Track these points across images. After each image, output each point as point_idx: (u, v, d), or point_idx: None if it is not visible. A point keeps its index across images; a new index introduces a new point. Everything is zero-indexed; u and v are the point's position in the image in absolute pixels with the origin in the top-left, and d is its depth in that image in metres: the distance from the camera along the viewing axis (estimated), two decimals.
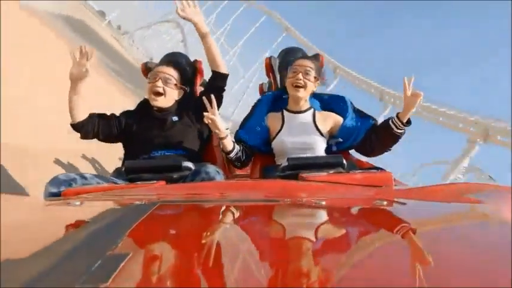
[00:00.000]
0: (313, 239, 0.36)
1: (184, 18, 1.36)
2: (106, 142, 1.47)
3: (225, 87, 1.49)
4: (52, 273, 0.21)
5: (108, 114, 1.47)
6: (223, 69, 1.46)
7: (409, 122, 1.31)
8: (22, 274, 0.21)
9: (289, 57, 1.63)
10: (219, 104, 1.45)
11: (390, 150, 1.41)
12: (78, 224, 0.34)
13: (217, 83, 1.45)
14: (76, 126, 1.37)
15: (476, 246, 0.33)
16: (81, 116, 1.36)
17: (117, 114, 1.49)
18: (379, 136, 1.37)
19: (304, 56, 1.52)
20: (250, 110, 1.60)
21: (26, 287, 0.19)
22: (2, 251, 0.25)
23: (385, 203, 0.60)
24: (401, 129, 1.30)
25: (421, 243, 0.33)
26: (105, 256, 0.25)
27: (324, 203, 0.56)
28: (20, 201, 0.68)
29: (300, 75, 1.41)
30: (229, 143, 1.33)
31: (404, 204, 0.63)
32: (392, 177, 0.89)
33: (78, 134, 1.40)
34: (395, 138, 1.32)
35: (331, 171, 1.09)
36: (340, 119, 1.51)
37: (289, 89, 1.47)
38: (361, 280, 0.22)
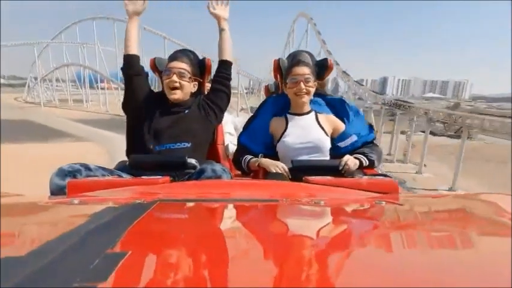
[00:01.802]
0: (309, 237, 0.36)
1: (211, 14, 1.58)
2: (127, 85, 1.54)
3: (230, 75, 1.59)
4: (51, 271, 0.21)
5: (147, 82, 1.59)
6: (228, 58, 1.59)
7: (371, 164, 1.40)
8: (21, 272, 0.21)
9: (293, 61, 1.66)
10: (227, 93, 1.58)
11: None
12: (77, 222, 0.34)
13: (223, 70, 1.57)
14: (128, 58, 1.50)
15: (476, 247, 0.33)
16: (134, 50, 1.54)
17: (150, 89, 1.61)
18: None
19: (302, 63, 1.57)
20: (255, 112, 1.63)
21: (25, 285, 0.19)
22: (1, 249, 0.25)
23: (383, 203, 0.60)
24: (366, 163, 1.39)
25: (416, 242, 0.33)
26: (103, 254, 0.25)
27: (322, 203, 0.56)
28: (20, 200, 0.68)
29: (302, 85, 1.46)
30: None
31: (401, 205, 0.62)
32: (398, 185, 0.89)
33: None
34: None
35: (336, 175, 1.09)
36: (341, 126, 1.53)
37: (291, 96, 1.52)
38: (357, 277, 0.22)
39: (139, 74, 1.52)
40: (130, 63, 1.50)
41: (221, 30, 1.59)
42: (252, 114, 1.71)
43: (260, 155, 1.45)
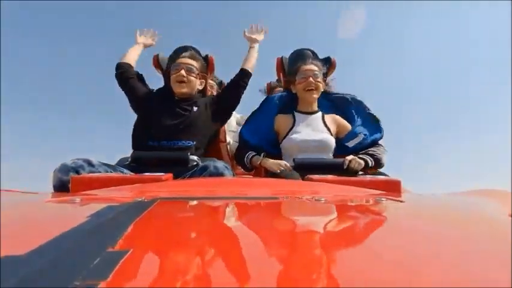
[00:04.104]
0: (308, 234, 0.36)
1: (246, 37, 1.65)
2: (125, 91, 1.57)
3: (247, 85, 1.61)
4: (51, 270, 0.21)
5: (144, 82, 1.63)
6: (250, 69, 1.60)
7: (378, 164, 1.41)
8: (22, 271, 0.21)
9: (299, 60, 1.67)
10: (238, 100, 1.58)
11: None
12: (78, 221, 0.34)
13: (241, 78, 1.58)
14: (120, 64, 1.56)
15: (474, 243, 0.32)
16: (128, 60, 1.59)
17: (148, 87, 1.63)
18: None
19: (310, 61, 1.58)
20: (258, 108, 1.63)
21: (25, 285, 0.19)
22: (2, 248, 0.25)
23: (383, 199, 0.60)
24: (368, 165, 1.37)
25: (416, 240, 0.33)
26: (105, 252, 0.24)
27: (323, 200, 0.56)
28: (19, 198, 0.69)
29: (311, 79, 1.48)
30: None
31: (402, 201, 0.62)
32: (401, 184, 0.88)
33: None
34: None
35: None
36: (347, 126, 1.53)
37: (301, 93, 1.53)
38: (356, 274, 0.22)
39: (133, 77, 1.55)
40: (122, 68, 1.53)
41: (251, 47, 1.63)
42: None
43: (263, 154, 1.45)
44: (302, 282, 0.21)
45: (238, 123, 2.52)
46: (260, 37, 1.66)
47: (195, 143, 1.42)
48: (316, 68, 1.52)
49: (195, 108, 1.49)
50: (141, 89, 1.55)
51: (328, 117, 1.55)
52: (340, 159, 1.32)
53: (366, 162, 1.36)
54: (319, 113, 1.56)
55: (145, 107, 1.50)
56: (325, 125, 1.51)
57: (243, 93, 1.59)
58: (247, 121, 1.61)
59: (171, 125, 1.41)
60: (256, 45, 1.64)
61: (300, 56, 1.70)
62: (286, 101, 1.61)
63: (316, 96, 1.52)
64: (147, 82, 1.65)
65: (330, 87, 1.69)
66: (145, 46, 1.69)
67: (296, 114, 1.55)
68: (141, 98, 1.53)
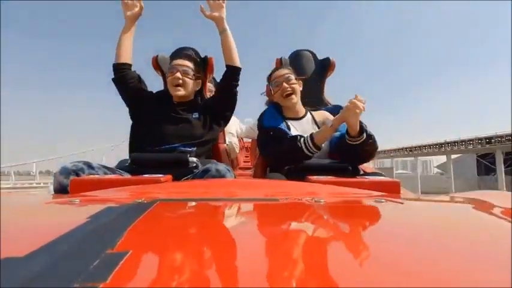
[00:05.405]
0: (308, 235, 0.36)
1: (207, 17, 1.42)
2: (123, 96, 1.50)
3: (238, 82, 1.49)
4: (51, 272, 0.21)
5: (143, 84, 1.54)
6: (236, 63, 1.47)
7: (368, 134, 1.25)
8: (21, 273, 0.21)
9: (297, 60, 1.65)
10: (233, 101, 1.50)
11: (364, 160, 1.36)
12: (77, 222, 0.34)
13: (230, 76, 1.48)
14: (118, 66, 1.44)
15: (473, 245, 0.32)
16: (125, 59, 1.45)
17: (147, 89, 1.56)
18: (341, 149, 1.33)
19: (280, 66, 1.56)
20: (263, 127, 1.56)
21: (24, 285, 0.19)
22: (1, 249, 0.25)
23: (383, 200, 0.60)
24: (353, 142, 1.24)
25: (415, 241, 0.33)
26: (104, 254, 0.24)
27: (323, 201, 0.56)
28: (20, 199, 0.69)
29: (284, 84, 1.45)
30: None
31: (401, 203, 0.62)
32: (400, 186, 0.88)
33: None
34: (355, 149, 1.26)
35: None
36: (330, 116, 1.51)
37: (280, 101, 1.50)
38: (356, 275, 0.22)
39: (132, 81, 1.48)
40: (121, 72, 1.45)
41: (221, 32, 1.44)
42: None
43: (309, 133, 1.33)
44: (301, 283, 0.21)
45: (237, 132, 2.50)
46: (222, 13, 1.41)
47: (195, 148, 1.41)
48: (286, 71, 1.49)
49: (194, 115, 1.47)
50: (141, 94, 1.49)
51: (317, 116, 1.54)
52: (343, 165, 1.31)
53: (364, 129, 1.25)
54: (309, 115, 1.54)
55: (146, 113, 1.48)
56: (318, 126, 1.50)
57: (236, 91, 1.48)
58: (264, 137, 1.49)
59: (172, 134, 1.40)
60: (227, 27, 1.41)
61: (298, 57, 1.69)
62: (275, 113, 1.56)
63: (296, 99, 1.49)
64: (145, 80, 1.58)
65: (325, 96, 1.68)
66: (136, 18, 1.47)
67: (288, 122, 1.52)
68: (142, 104, 1.49)
